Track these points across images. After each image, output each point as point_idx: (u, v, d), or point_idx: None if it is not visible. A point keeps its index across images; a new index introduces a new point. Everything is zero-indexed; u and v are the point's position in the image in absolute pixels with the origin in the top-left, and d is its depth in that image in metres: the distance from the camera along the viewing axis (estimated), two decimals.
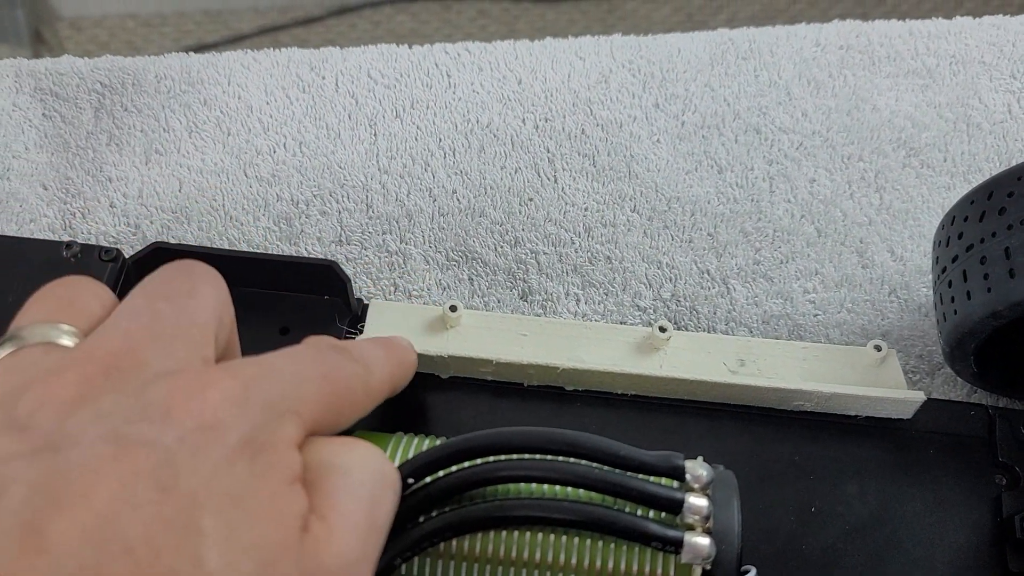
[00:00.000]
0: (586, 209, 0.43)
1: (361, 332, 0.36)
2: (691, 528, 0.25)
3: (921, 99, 0.47)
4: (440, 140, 0.45)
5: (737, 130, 0.46)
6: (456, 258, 0.41)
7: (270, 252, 0.41)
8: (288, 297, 0.37)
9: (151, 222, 0.42)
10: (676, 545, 0.24)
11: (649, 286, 0.41)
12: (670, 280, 0.41)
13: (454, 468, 0.26)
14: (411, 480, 0.25)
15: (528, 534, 0.25)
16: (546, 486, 0.26)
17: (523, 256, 0.41)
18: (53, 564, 0.17)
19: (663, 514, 0.25)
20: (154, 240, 0.39)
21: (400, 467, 0.25)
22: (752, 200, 0.43)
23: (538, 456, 0.26)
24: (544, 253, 0.41)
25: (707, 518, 0.25)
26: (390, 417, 0.33)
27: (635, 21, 1.31)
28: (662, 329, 0.35)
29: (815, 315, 0.40)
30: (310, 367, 0.23)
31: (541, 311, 0.40)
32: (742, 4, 1.32)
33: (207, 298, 0.23)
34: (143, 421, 0.19)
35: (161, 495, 0.18)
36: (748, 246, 0.42)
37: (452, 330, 0.36)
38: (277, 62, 0.47)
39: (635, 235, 0.42)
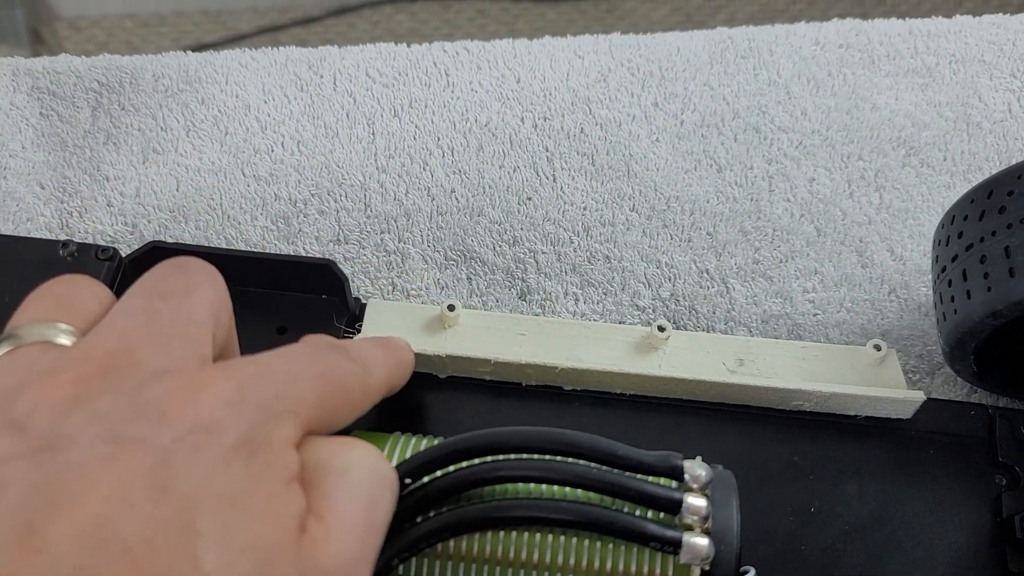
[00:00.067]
0: (585, 208, 0.43)
1: (359, 331, 0.36)
2: (690, 528, 0.25)
3: (921, 98, 0.47)
4: (438, 139, 0.45)
5: (736, 129, 0.45)
6: (454, 257, 0.41)
7: (268, 251, 0.41)
8: (286, 296, 0.37)
9: (148, 221, 0.42)
10: (675, 545, 0.24)
11: (648, 285, 0.41)
12: (669, 279, 0.41)
13: (452, 468, 0.25)
14: (408, 480, 0.25)
15: (526, 534, 0.25)
16: (544, 486, 0.26)
17: (522, 255, 0.41)
18: (50, 564, 0.17)
19: (661, 514, 0.25)
20: (151, 239, 0.39)
21: (398, 467, 0.25)
22: (751, 199, 0.43)
23: (536, 456, 0.25)
24: (543, 252, 0.41)
25: (706, 518, 0.25)
26: (388, 417, 0.33)
27: (634, 20, 1.31)
28: (661, 328, 0.35)
29: (814, 314, 0.40)
30: (307, 366, 0.23)
31: (540, 310, 0.40)
32: (741, 4, 1.32)
33: (205, 296, 0.23)
34: (140, 421, 0.19)
35: (158, 496, 0.18)
36: (747, 245, 0.42)
37: (450, 329, 0.36)
38: (275, 61, 0.47)
39: (634, 234, 0.42)
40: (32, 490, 0.17)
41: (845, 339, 0.39)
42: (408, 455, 0.27)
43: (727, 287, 0.41)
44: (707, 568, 0.25)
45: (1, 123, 0.45)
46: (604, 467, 0.25)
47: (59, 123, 0.45)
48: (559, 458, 0.25)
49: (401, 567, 0.25)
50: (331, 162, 0.44)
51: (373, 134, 0.45)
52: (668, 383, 0.35)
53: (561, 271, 0.41)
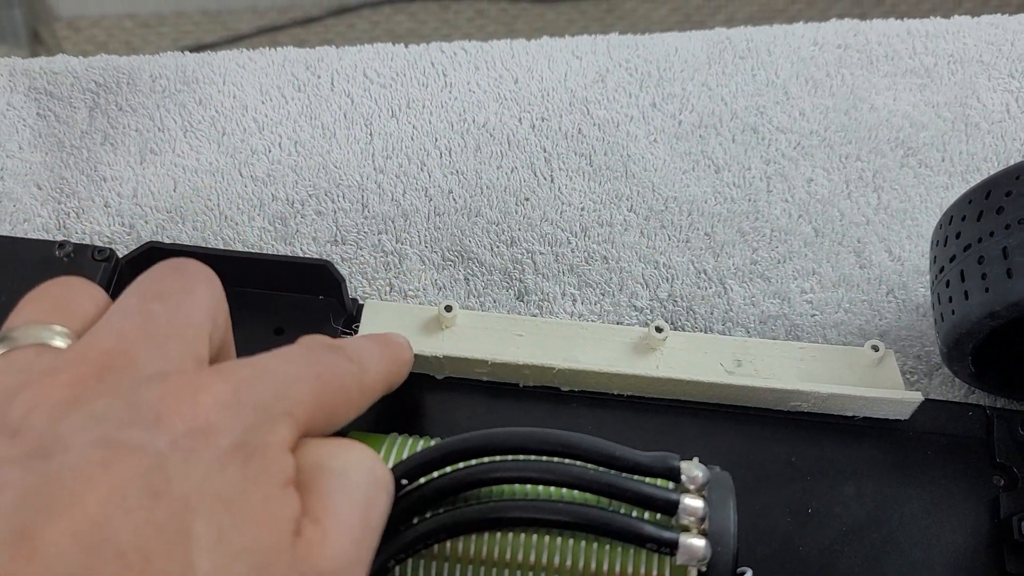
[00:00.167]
0: (583, 209, 0.43)
1: (356, 332, 0.36)
2: (686, 529, 0.25)
3: (919, 98, 0.47)
4: (436, 139, 0.45)
5: (734, 129, 0.45)
6: (452, 258, 0.41)
7: (265, 252, 0.41)
8: (283, 297, 0.37)
9: (146, 222, 0.42)
10: (671, 546, 0.24)
11: (646, 286, 0.41)
12: (667, 280, 0.41)
13: (448, 469, 0.25)
14: (405, 481, 0.25)
15: (523, 536, 0.25)
16: (541, 487, 0.26)
17: (519, 256, 0.41)
18: (45, 568, 0.17)
19: (658, 515, 0.25)
20: (148, 240, 0.39)
21: (394, 468, 0.25)
22: (749, 200, 0.43)
23: (533, 457, 0.25)
24: (540, 253, 0.41)
25: (702, 519, 0.25)
26: (384, 418, 0.33)
27: (633, 21, 1.31)
28: (659, 329, 0.35)
29: (812, 315, 0.40)
30: (303, 367, 0.23)
31: (537, 311, 0.40)
32: (741, 4, 1.32)
33: (201, 297, 0.23)
34: (135, 425, 0.19)
35: (153, 500, 0.18)
36: (745, 246, 0.42)
37: (447, 330, 0.36)
38: (273, 61, 0.47)
39: (632, 235, 0.42)
40: (27, 493, 0.17)
41: (843, 340, 0.39)
42: (405, 456, 0.27)
43: (725, 288, 0.40)
44: (704, 569, 0.25)
45: None
46: (601, 468, 0.25)
47: (56, 124, 0.45)
48: (556, 459, 0.25)
49: (397, 568, 0.25)
50: (328, 163, 0.44)
51: (371, 135, 0.45)
52: (666, 384, 0.35)
53: (559, 272, 0.41)
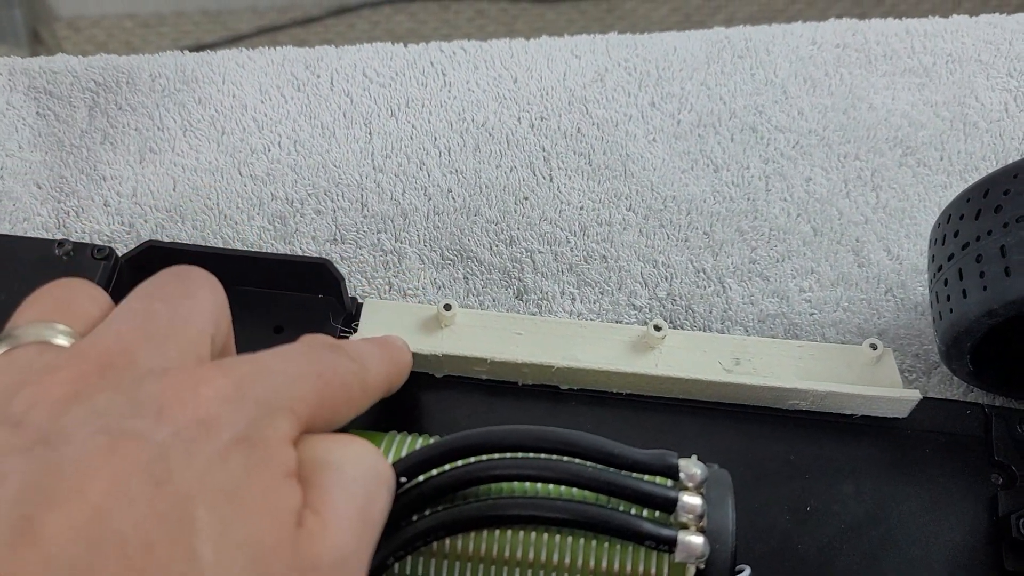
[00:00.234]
0: (582, 208, 0.43)
1: (355, 331, 0.36)
2: (685, 527, 0.25)
3: (918, 97, 0.47)
4: (435, 139, 0.45)
5: (733, 129, 0.45)
6: (451, 257, 0.41)
7: (264, 251, 0.41)
8: (282, 296, 0.37)
9: (145, 221, 0.42)
10: (670, 544, 0.24)
11: (645, 285, 0.41)
12: (666, 279, 0.41)
13: (447, 467, 0.25)
14: (404, 479, 0.25)
15: (521, 533, 0.25)
16: (539, 485, 0.26)
17: (518, 255, 0.41)
18: (47, 558, 0.17)
19: (657, 513, 0.25)
20: (148, 239, 0.39)
21: (393, 465, 0.25)
22: (748, 199, 0.43)
23: (532, 455, 0.25)
24: (539, 252, 0.41)
25: (701, 517, 0.25)
26: (384, 416, 0.33)
27: (633, 21, 1.31)
28: (657, 328, 0.35)
29: (811, 314, 0.40)
30: (305, 365, 0.23)
31: (536, 310, 0.40)
32: (740, 4, 1.32)
33: (204, 302, 0.23)
34: (137, 417, 0.19)
35: (155, 490, 0.18)
36: (744, 245, 0.42)
37: (447, 329, 0.36)
38: (272, 61, 0.47)
39: (631, 234, 0.42)
40: (29, 484, 0.17)
41: (841, 338, 0.39)
42: (404, 454, 0.27)
43: (724, 286, 0.41)
44: (702, 567, 0.25)
45: None
46: (600, 466, 0.25)
47: (56, 123, 0.45)
48: (555, 457, 0.25)
49: (397, 565, 0.25)
50: (328, 162, 0.44)
51: (370, 134, 0.45)
52: (664, 382, 0.35)
53: (558, 271, 0.41)
